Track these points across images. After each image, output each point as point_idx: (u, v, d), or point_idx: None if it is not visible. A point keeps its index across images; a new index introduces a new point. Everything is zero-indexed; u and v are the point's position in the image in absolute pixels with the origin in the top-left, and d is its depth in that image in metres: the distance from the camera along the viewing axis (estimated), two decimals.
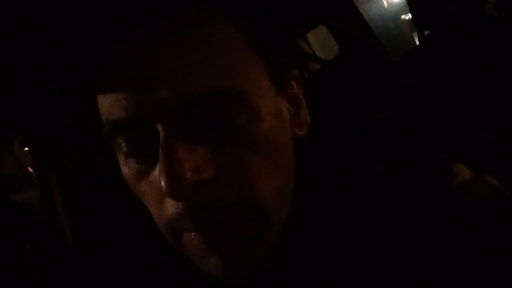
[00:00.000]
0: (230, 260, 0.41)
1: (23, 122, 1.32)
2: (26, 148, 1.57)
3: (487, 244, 0.45)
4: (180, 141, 0.39)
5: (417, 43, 1.98)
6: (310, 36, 2.41)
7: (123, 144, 0.42)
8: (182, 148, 0.38)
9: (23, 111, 1.28)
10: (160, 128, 0.39)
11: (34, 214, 1.38)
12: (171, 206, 0.40)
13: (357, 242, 0.46)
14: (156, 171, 0.41)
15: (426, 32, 1.48)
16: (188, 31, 0.40)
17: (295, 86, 0.49)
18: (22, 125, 1.34)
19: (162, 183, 0.38)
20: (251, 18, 0.44)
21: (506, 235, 0.46)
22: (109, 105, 0.41)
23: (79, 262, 0.59)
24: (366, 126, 0.56)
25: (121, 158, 0.44)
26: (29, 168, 1.60)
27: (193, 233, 0.41)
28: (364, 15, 2.14)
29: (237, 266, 0.42)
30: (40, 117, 1.29)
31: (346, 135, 0.54)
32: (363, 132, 0.54)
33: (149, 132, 0.40)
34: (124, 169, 0.44)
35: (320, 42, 2.46)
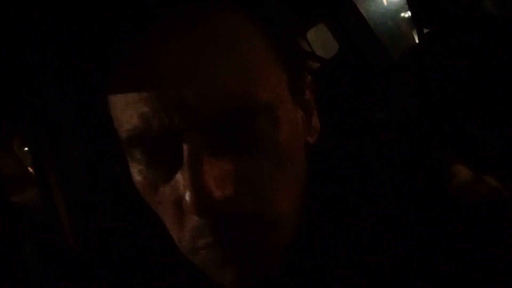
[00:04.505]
0: (247, 271, 0.41)
1: (23, 122, 1.31)
2: (26, 148, 1.56)
3: (486, 244, 0.45)
4: (205, 154, 0.38)
5: (417, 41, 1.98)
6: (310, 34, 2.41)
7: (140, 154, 0.41)
8: (207, 162, 0.37)
9: (23, 111, 1.28)
10: (184, 141, 0.38)
11: (34, 215, 1.38)
12: (192, 221, 0.39)
13: (360, 244, 0.46)
14: (176, 182, 0.39)
15: (426, 30, 1.47)
16: (215, 33, 0.38)
17: (308, 93, 0.48)
18: (22, 125, 1.33)
19: (187, 198, 0.37)
20: (275, 22, 0.43)
21: (505, 235, 0.46)
22: (128, 117, 0.39)
23: (79, 263, 0.59)
24: (366, 126, 0.56)
25: (135, 166, 0.42)
26: (29, 168, 1.60)
27: (212, 249, 0.40)
28: (364, 13, 2.13)
29: (253, 276, 0.42)
30: (40, 117, 1.29)
31: (346, 135, 0.54)
32: (363, 132, 0.54)
33: (171, 143, 0.39)
34: (138, 178, 0.42)
35: (320, 40, 2.46)
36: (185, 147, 0.38)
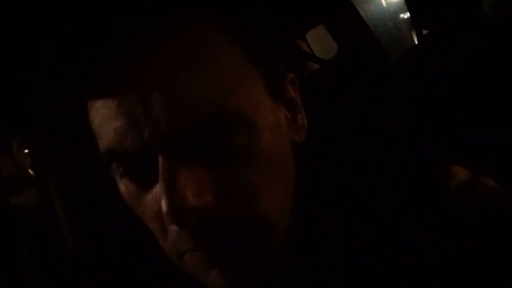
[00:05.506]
0: (233, 275, 0.41)
1: (21, 124, 1.32)
2: (26, 150, 1.57)
3: (484, 245, 0.45)
4: (180, 166, 0.38)
5: (416, 42, 1.98)
6: (309, 35, 2.41)
7: (119, 168, 0.41)
8: (182, 174, 0.38)
9: (21, 113, 1.28)
10: (158, 154, 0.38)
11: (32, 217, 1.38)
12: (173, 230, 0.40)
13: (356, 247, 0.46)
14: (155, 193, 0.40)
15: (425, 31, 1.47)
16: (184, 48, 0.38)
17: (292, 90, 0.48)
18: (20, 128, 1.33)
19: (164, 210, 0.37)
20: (247, 26, 0.43)
21: (503, 236, 0.45)
22: (104, 133, 0.40)
23: (78, 265, 0.59)
24: (364, 127, 0.56)
25: (118, 178, 0.43)
26: (27, 170, 1.60)
27: (195, 252, 0.41)
28: (363, 14, 2.14)
29: (241, 279, 0.42)
30: (38, 120, 1.29)
31: (344, 137, 0.54)
32: (361, 135, 0.54)
33: (147, 158, 0.39)
34: (122, 188, 0.43)
35: (319, 41, 2.46)
36: (160, 160, 0.38)
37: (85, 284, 0.55)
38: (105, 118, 0.40)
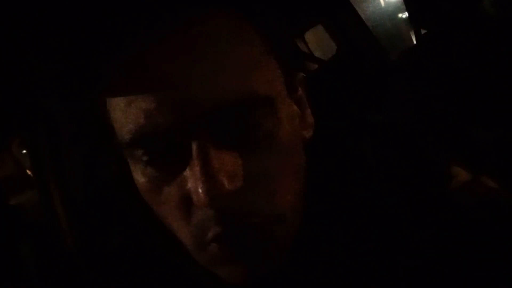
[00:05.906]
0: (252, 266, 0.42)
1: (21, 123, 1.31)
2: (25, 151, 1.56)
3: (485, 245, 0.45)
4: (212, 149, 0.38)
5: (414, 42, 1.99)
6: (308, 35, 2.41)
7: (144, 154, 0.41)
8: (216, 157, 0.38)
9: (21, 112, 1.28)
10: (191, 136, 0.38)
11: (32, 216, 1.38)
12: (199, 214, 0.40)
13: (357, 245, 0.46)
14: (182, 179, 0.40)
15: (423, 31, 1.48)
16: (214, 34, 0.39)
17: (301, 89, 0.49)
18: (21, 127, 1.33)
19: (200, 190, 0.37)
20: (268, 20, 0.44)
21: (503, 236, 0.46)
22: (131, 115, 0.39)
23: (78, 265, 0.59)
24: (364, 127, 0.56)
25: (138, 167, 0.42)
26: (27, 170, 1.60)
27: (220, 241, 0.41)
28: (361, 14, 2.14)
29: (260, 272, 0.42)
30: (38, 119, 1.28)
31: (344, 136, 0.55)
32: (361, 134, 0.55)
33: (176, 140, 0.39)
34: (142, 179, 0.43)
35: (318, 41, 2.46)
36: (193, 142, 0.38)
37: (86, 284, 0.55)
38: (131, 102, 0.39)
